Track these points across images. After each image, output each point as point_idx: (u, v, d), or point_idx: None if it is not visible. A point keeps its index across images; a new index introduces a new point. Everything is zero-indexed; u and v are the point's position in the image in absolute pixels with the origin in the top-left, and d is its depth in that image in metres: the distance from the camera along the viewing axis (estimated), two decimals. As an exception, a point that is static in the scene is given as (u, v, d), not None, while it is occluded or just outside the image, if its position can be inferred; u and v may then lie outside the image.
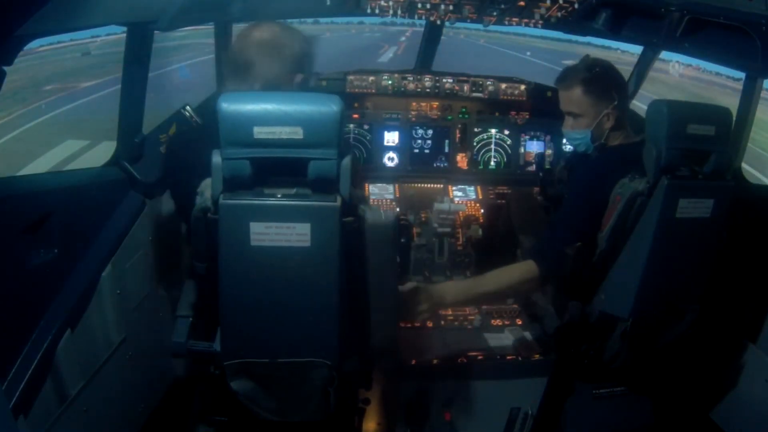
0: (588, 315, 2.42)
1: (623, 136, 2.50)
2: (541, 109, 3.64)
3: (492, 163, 3.65)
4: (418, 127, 3.57)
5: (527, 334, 2.67)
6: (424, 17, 3.01)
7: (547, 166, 3.62)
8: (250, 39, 2.08)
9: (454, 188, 3.57)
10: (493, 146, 3.65)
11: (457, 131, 3.60)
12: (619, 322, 2.35)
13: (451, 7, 2.82)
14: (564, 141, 3.67)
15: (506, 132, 3.65)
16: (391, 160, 3.57)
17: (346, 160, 1.72)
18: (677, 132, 2.11)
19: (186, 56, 16.03)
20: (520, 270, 2.38)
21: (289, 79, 2.09)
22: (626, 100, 2.56)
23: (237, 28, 3.30)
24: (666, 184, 2.12)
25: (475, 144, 3.63)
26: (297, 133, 1.65)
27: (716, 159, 2.17)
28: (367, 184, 3.47)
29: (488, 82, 3.62)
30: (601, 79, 2.47)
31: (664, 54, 3.48)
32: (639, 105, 3.75)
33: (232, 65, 2.11)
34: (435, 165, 3.61)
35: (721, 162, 2.18)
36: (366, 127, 3.53)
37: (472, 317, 2.81)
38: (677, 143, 2.12)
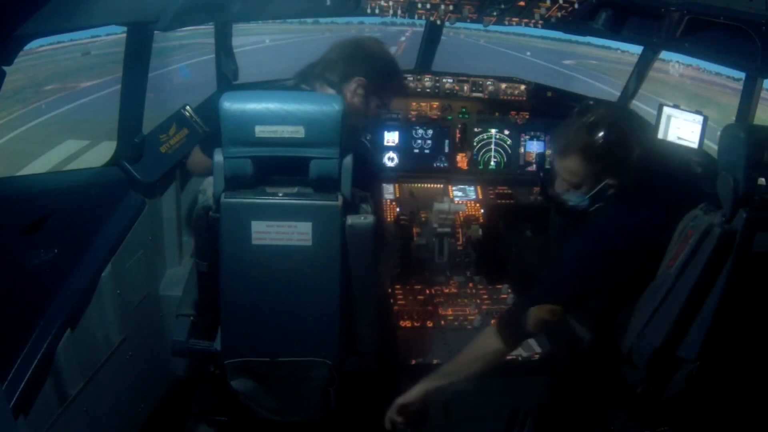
0: (641, 355, 2.24)
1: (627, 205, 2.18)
2: (541, 109, 3.64)
3: (492, 163, 3.65)
4: (418, 127, 3.57)
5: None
6: (424, 17, 3.01)
7: (548, 166, 3.62)
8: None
9: (454, 188, 3.57)
10: (493, 146, 3.64)
11: (457, 131, 3.60)
12: (684, 363, 2.20)
13: (451, 7, 2.82)
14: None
15: (506, 132, 3.65)
16: (391, 160, 3.57)
17: (348, 159, 1.72)
18: (756, 160, 1.94)
19: (186, 56, 16.04)
20: (485, 350, 2.20)
21: None
22: (633, 170, 2.12)
23: (237, 28, 3.30)
24: (745, 217, 1.96)
25: (475, 144, 3.63)
26: (298, 132, 1.66)
27: None
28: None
29: (488, 82, 3.62)
30: (606, 151, 2.08)
31: (664, 54, 3.48)
32: (639, 105, 3.77)
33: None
34: (435, 165, 3.61)
35: None
36: (366, 126, 3.54)
37: (472, 317, 2.81)
38: (756, 172, 1.94)
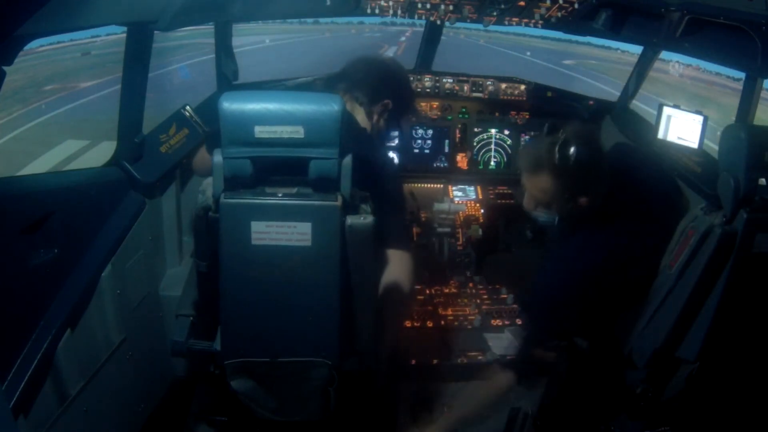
0: (641, 355, 2.30)
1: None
2: (541, 109, 3.64)
3: (492, 163, 3.65)
4: (418, 127, 3.57)
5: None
6: (424, 17, 3.01)
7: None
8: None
9: (454, 188, 3.57)
10: (493, 146, 3.65)
11: (457, 131, 3.60)
12: (684, 363, 2.23)
13: (451, 7, 2.82)
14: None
15: (506, 132, 3.65)
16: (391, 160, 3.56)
17: (347, 159, 1.72)
18: (757, 160, 1.96)
19: (186, 56, 16.04)
20: (495, 389, 2.30)
21: None
22: (604, 187, 2.14)
23: (237, 28, 3.30)
24: (745, 218, 1.98)
25: (475, 144, 3.63)
26: (298, 132, 1.66)
27: None
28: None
29: (488, 82, 3.62)
30: (578, 169, 2.05)
31: (664, 54, 3.48)
32: (639, 105, 3.77)
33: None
34: (435, 165, 3.61)
35: None
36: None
37: (472, 317, 2.81)
38: (757, 173, 1.97)
